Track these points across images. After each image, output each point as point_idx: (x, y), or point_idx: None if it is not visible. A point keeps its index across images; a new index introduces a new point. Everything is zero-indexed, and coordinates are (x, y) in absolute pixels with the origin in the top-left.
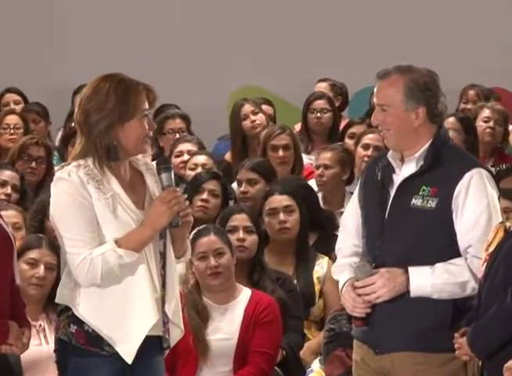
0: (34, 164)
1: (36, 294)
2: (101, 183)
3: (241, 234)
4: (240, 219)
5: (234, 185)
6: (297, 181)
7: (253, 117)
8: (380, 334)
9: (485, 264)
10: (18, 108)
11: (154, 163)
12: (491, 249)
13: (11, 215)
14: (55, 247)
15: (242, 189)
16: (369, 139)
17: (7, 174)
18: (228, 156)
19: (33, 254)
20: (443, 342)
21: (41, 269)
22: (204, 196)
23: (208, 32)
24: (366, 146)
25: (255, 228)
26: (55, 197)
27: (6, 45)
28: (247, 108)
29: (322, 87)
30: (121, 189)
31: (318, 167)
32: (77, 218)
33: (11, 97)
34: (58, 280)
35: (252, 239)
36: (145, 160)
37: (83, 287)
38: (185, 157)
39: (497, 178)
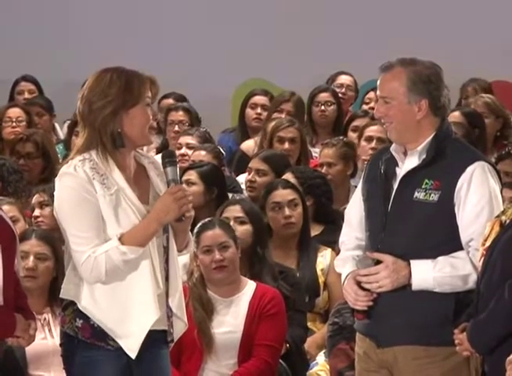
0: (22, 160)
1: (32, 285)
2: (106, 177)
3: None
4: (232, 211)
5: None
6: (314, 172)
7: (260, 111)
8: (382, 328)
9: (482, 259)
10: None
11: (159, 156)
12: (487, 244)
13: (6, 211)
14: (46, 237)
15: (249, 177)
16: (371, 131)
17: None
18: (244, 146)
19: (23, 246)
20: (446, 336)
21: (29, 260)
22: None
23: (214, 25)
24: (369, 139)
25: (252, 218)
26: (61, 192)
27: (15, 39)
28: (259, 100)
29: (349, 80)
30: (126, 183)
31: (321, 165)
32: (83, 214)
33: (26, 86)
34: (58, 271)
35: (243, 229)
36: (147, 155)
37: (89, 283)
38: (183, 150)
39: (498, 160)
